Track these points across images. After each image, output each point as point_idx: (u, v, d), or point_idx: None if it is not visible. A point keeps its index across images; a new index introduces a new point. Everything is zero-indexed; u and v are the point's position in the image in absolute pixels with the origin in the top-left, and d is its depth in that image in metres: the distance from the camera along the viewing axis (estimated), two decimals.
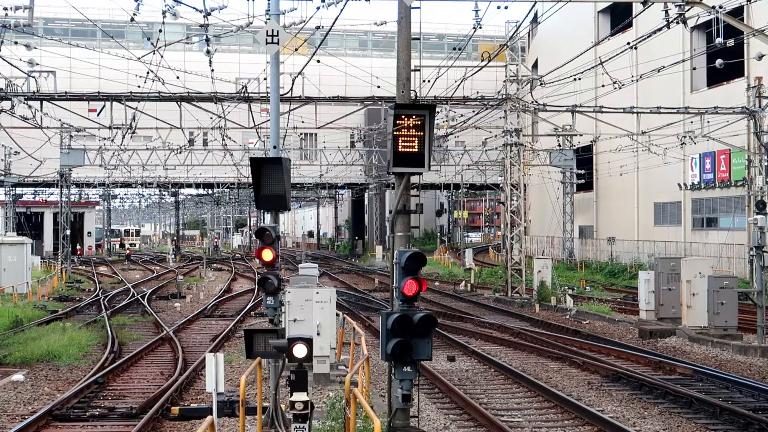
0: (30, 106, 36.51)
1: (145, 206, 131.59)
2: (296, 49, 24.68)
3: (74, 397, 15.91)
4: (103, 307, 32.18)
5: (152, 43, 27.78)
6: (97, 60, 48.52)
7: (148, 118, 36.70)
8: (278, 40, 13.23)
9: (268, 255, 12.42)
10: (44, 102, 36.37)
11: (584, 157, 57.86)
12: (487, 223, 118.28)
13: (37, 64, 33.32)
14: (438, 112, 33.13)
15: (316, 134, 70.14)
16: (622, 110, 38.64)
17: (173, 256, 74.61)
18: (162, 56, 27.22)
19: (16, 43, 28.33)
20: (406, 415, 9.67)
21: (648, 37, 25.89)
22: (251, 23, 27.11)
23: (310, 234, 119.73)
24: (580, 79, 32.32)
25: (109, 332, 24.54)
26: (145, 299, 35.27)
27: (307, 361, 9.15)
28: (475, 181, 69.58)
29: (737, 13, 30.45)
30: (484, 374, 19.29)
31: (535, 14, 54.68)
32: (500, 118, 41.69)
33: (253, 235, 73.32)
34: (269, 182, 12.40)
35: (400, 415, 9.63)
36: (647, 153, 43.44)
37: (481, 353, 21.48)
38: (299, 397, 9.08)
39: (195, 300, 37.45)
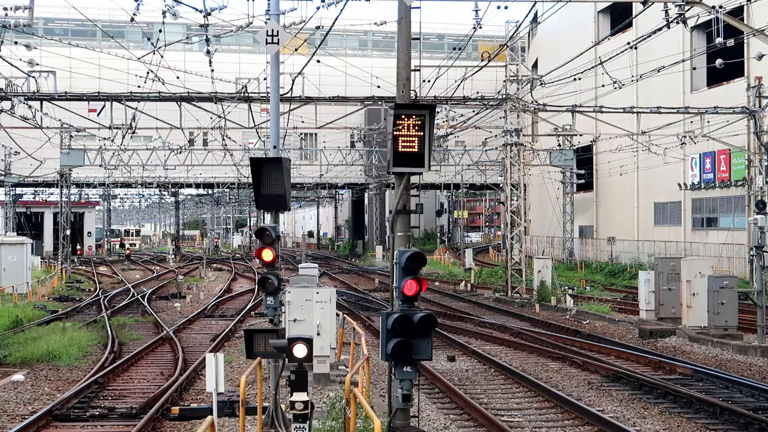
0: (30, 106, 36.53)
1: (145, 206, 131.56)
2: (296, 49, 24.69)
3: (74, 397, 15.90)
4: (103, 307, 32.17)
5: (152, 43, 27.80)
6: (97, 60, 48.60)
7: (148, 118, 36.71)
8: (278, 40, 13.23)
9: (268, 255, 12.42)
10: (44, 102, 36.40)
11: (584, 157, 57.87)
12: (487, 223, 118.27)
13: (37, 64, 33.32)
14: (438, 112, 33.12)
15: (316, 134, 70.19)
16: (622, 110, 38.65)
17: (173, 256, 74.59)
18: (162, 56, 27.23)
19: (16, 43, 28.34)
20: (406, 415, 9.67)
21: (648, 37, 25.91)
22: (251, 23, 27.13)
23: (310, 234, 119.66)
24: (580, 79, 32.34)
25: (109, 332, 24.53)
26: (145, 299, 35.24)
27: (307, 361, 9.14)
28: (475, 181, 69.61)
29: (737, 13, 30.46)
30: (484, 374, 19.28)
31: (535, 14, 54.68)
32: (500, 118, 41.68)
33: (253, 235, 73.40)
34: (269, 182, 12.41)
35: (400, 415, 9.63)
36: (647, 153, 43.44)
37: (481, 353, 21.48)
38: (299, 397, 9.07)
39: (195, 300, 37.44)
